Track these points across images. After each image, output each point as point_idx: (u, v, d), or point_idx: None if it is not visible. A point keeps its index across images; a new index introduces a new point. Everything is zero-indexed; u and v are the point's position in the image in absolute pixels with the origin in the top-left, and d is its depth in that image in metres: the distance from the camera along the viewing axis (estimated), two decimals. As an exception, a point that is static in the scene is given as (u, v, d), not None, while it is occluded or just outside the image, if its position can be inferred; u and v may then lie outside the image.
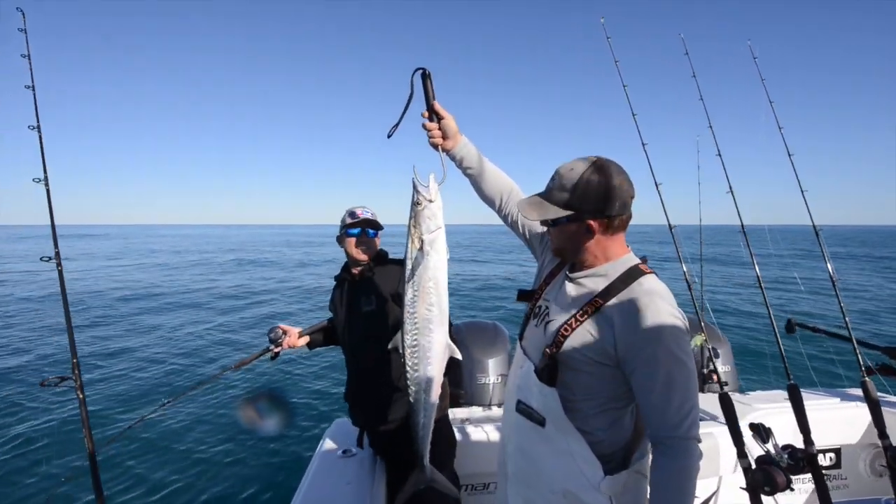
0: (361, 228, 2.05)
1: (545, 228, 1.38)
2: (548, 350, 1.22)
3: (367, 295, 2.04)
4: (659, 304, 1.12)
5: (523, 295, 1.42)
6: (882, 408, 1.97)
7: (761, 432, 1.67)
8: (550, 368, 1.20)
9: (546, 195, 1.24)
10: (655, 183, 2.21)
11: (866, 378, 2.04)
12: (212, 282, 18.00)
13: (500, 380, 2.66)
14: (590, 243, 1.21)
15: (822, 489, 1.68)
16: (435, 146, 1.48)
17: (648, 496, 1.15)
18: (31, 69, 1.80)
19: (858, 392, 2.53)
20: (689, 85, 2.55)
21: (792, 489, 1.56)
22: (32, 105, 1.78)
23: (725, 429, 1.87)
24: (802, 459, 1.65)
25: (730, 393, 1.95)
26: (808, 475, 1.71)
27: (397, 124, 1.50)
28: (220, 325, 10.62)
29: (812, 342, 2.76)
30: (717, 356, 2.74)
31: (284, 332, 2.19)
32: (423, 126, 1.47)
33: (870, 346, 2.30)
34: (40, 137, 1.80)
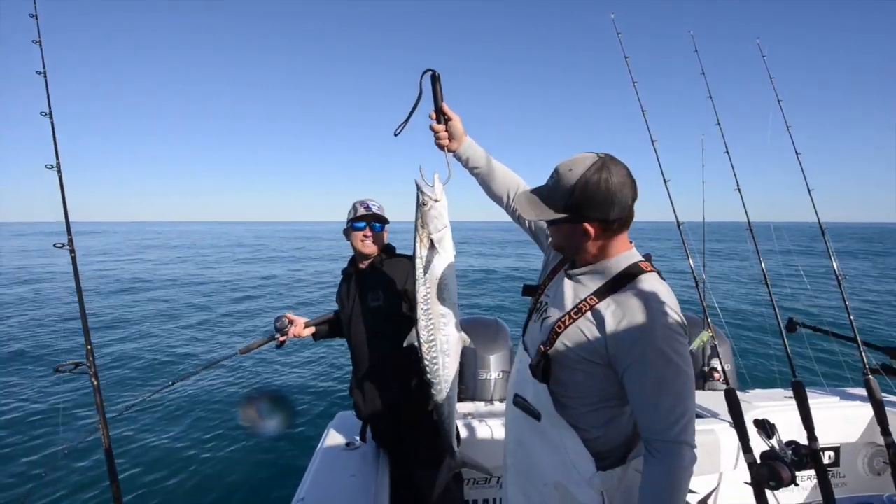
0: (367, 222, 2.03)
1: None
2: (542, 347, 1.21)
3: (373, 289, 2.03)
4: (653, 303, 1.09)
5: (528, 290, 1.42)
6: (885, 407, 1.98)
7: (766, 428, 1.68)
8: (543, 365, 1.20)
9: (544, 194, 1.20)
10: (664, 179, 2.21)
11: (870, 376, 2.05)
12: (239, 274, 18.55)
13: (501, 376, 2.67)
14: (588, 243, 1.19)
15: (825, 485, 1.70)
16: (441, 147, 1.50)
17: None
18: (42, 55, 1.78)
19: (857, 391, 2.54)
20: (697, 83, 2.51)
21: (797, 484, 1.57)
22: (44, 92, 1.76)
23: (727, 426, 1.88)
24: (806, 456, 1.66)
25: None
26: (809, 472, 1.72)
27: (405, 122, 1.53)
28: (231, 313, 10.82)
29: (808, 341, 2.76)
30: (717, 354, 2.76)
31: (291, 322, 2.19)
32: (431, 128, 1.49)
33: (870, 346, 2.31)
34: (52, 124, 1.79)
